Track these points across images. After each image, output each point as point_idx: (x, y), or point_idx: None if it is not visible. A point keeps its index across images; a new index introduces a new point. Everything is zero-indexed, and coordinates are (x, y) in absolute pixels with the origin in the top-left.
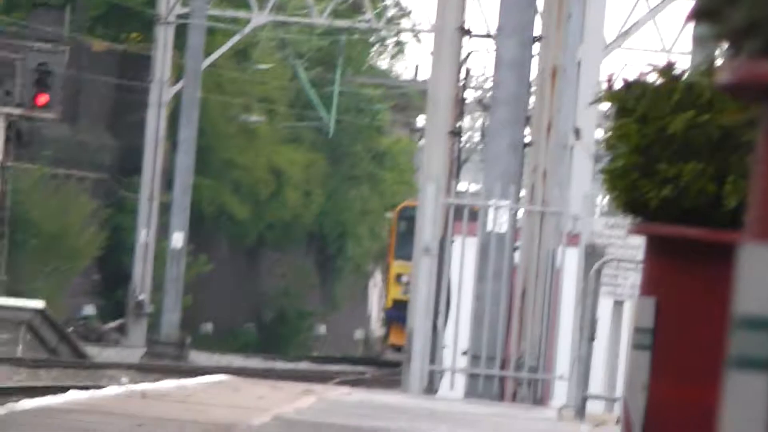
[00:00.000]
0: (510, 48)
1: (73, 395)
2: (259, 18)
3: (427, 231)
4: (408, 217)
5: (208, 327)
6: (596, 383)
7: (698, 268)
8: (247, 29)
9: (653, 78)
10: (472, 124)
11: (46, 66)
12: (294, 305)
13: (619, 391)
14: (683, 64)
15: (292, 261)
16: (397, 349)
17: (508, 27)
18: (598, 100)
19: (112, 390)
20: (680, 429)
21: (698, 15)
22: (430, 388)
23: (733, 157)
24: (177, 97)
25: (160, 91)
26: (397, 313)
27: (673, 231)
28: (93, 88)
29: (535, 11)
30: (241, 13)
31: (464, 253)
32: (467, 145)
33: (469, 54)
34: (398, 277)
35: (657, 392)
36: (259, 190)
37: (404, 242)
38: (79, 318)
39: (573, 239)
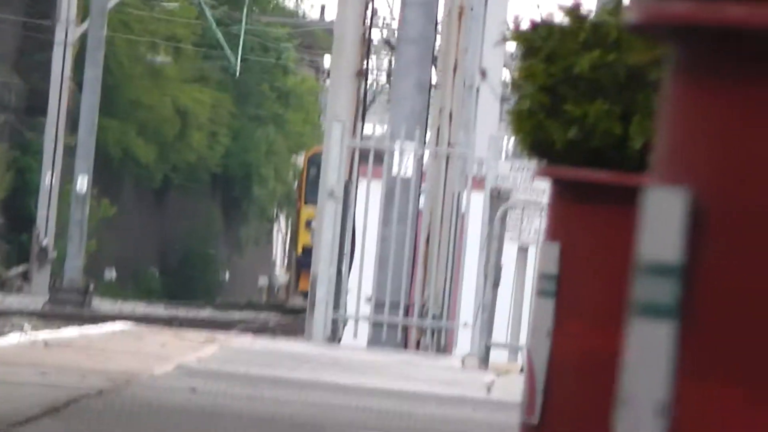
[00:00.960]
0: None
1: None
2: None
3: (331, 174)
4: (318, 163)
5: (111, 273)
6: (500, 332)
7: (604, 212)
8: None
9: (560, 18)
10: (378, 64)
11: None
12: (199, 249)
13: (524, 339)
14: (590, 4)
15: (198, 204)
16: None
17: None
18: (505, 40)
19: (14, 338)
20: (584, 377)
21: None
22: (334, 337)
23: (639, 97)
24: (83, 37)
25: (66, 30)
26: (307, 260)
27: (578, 174)
28: None
29: None
30: None
31: (369, 196)
32: (373, 87)
33: None
34: (309, 223)
35: (561, 341)
36: (165, 131)
37: (315, 188)
38: None
39: (478, 183)
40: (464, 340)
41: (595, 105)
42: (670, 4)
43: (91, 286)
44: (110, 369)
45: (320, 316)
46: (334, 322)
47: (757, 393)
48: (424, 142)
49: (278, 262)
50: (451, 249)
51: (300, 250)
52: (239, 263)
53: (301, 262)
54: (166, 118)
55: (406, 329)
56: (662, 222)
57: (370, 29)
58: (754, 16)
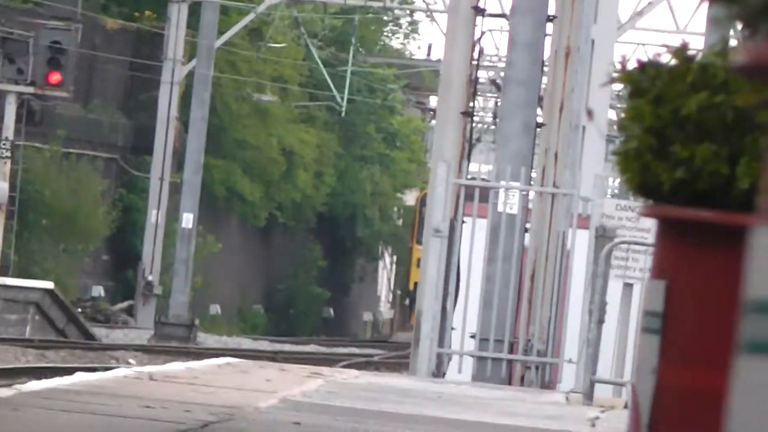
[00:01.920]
0: (524, 28)
1: (80, 377)
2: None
3: (437, 212)
4: None
5: (216, 308)
6: (605, 367)
7: (710, 250)
8: (261, 8)
9: (667, 59)
10: (484, 104)
11: (59, 44)
12: (303, 287)
13: (628, 375)
14: (698, 44)
15: (302, 242)
16: None
17: (523, 6)
18: (612, 81)
19: (119, 372)
20: (689, 414)
21: None
22: (438, 372)
23: (746, 139)
24: (190, 77)
25: (173, 69)
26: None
27: (685, 213)
28: (106, 67)
29: None
30: None
31: (474, 234)
32: (479, 126)
33: (482, 33)
34: (419, 261)
35: (666, 377)
36: (271, 170)
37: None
38: (88, 299)
39: (583, 221)
40: (569, 376)
41: (702, 147)
42: None
43: (197, 321)
44: (215, 403)
45: (425, 351)
46: (439, 356)
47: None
48: (530, 182)
49: (383, 298)
50: (556, 286)
51: (411, 286)
52: (344, 301)
53: (412, 298)
54: (271, 157)
55: (510, 365)
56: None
57: (477, 69)
58: None
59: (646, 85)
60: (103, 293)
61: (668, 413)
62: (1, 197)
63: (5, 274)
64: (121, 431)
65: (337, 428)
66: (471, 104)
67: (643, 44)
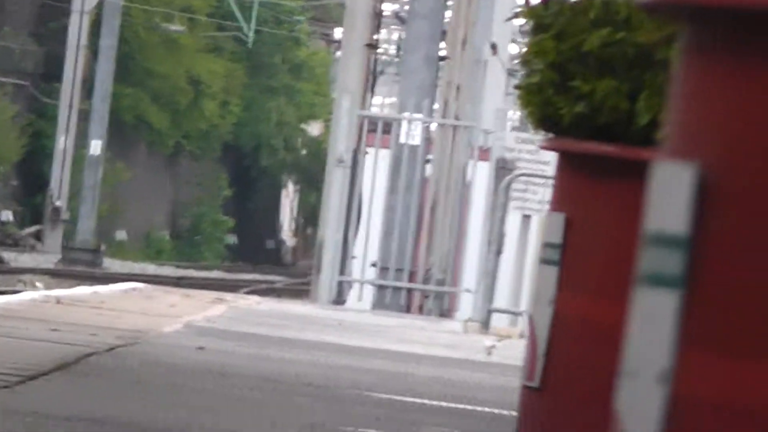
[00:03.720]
0: None
1: None
2: None
3: (340, 143)
4: None
5: (123, 234)
6: (502, 297)
7: (609, 184)
8: None
9: None
10: (388, 37)
11: None
12: (208, 214)
13: (524, 305)
14: None
15: (208, 171)
16: None
17: None
18: (515, 16)
19: (27, 295)
20: (585, 344)
21: None
22: (339, 299)
23: (647, 75)
24: (100, 5)
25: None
26: None
27: (585, 147)
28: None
29: None
30: None
31: (377, 164)
32: (383, 58)
33: None
34: None
35: (563, 307)
36: (178, 99)
37: None
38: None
39: (484, 154)
40: (466, 305)
41: (603, 82)
42: None
43: (103, 247)
44: (120, 327)
45: (326, 279)
46: (340, 284)
47: (758, 362)
48: (432, 114)
49: (285, 227)
50: (456, 217)
51: None
52: (247, 228)
53: None
54: (179, 86)
55: (409, 293)
56: (670, 195)
57: (381, 2)
58: None
59: (549, 20)
60: (11, 218)
61: (565, 342)
62: None
63: None
64: (28, 353)
65: (240, 353)
66: (375, 37)
67: None
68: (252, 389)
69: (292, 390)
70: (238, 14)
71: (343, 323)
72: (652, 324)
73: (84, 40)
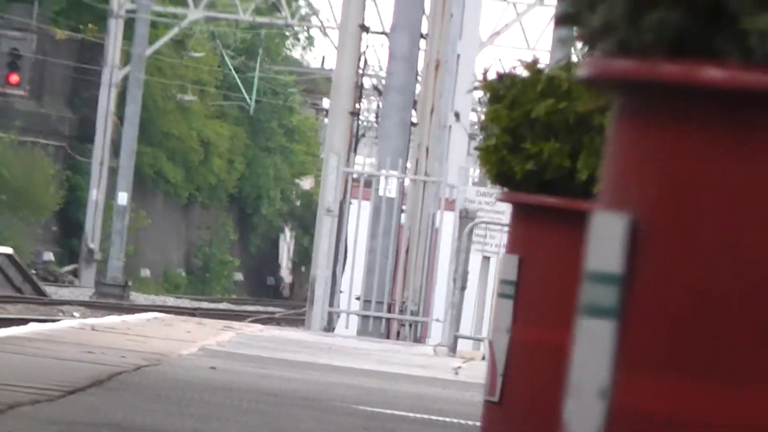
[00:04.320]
0: (401, 43)
1: (33, 327)
2: (194, 14)
3: (329, 195)
4: None
5: (146, 272)
6: (466, 325)
7: (554, 230)
8: (184, 23)
9: (521, 71)
10: (368, 106)
11: (17, 51)
12: (217, 255)
13: (485, 333)
14: (545, 60)
15: (216, 218)
16: None
17: (400, 25)
18: (475, 89)
19: (66, 323)
20: (536, 366)
21: (562, 19)
22: (329, 327)
23: (585, 138)
24: (125, 79)
25: (111, 73)
26: None
27: (534, 199)
28: (56, 70)
29: (423, 12)
30: (179, 10)
31: (360, 214)
32: (364, 124)
33: (367, 47)
34: None
35: (518, 335)
36: (191, 157)
37: None
38: (40, 262)
39: (449, 204)
40: (436, 332)
41: (548, 144)
42: (615, 62)
43: (129, 283)
44: (145, 350)
45: (318, 310)
46: (330, 315)
47: (681, 378)
48: (405, 171)
49: (283, 265)
50: (426, 258)
51: None
52: (250, 267)
53: None
54: (191, 147)
55: (388, 322)
56: (606, 240)
57: (362, 77)
58: (682, 73)
59: (502, 92)
60: (52, 258)
61: (519, 364)
62: None
63: None
64: (68, 372)
65: (246, 372)
66: (357, 106)
67: (500, 59)
68: (256, 402)
69: (289, 403)
70: (241, 87)
71: (332, 347)
72: (591, 348)
73: (112, 108)
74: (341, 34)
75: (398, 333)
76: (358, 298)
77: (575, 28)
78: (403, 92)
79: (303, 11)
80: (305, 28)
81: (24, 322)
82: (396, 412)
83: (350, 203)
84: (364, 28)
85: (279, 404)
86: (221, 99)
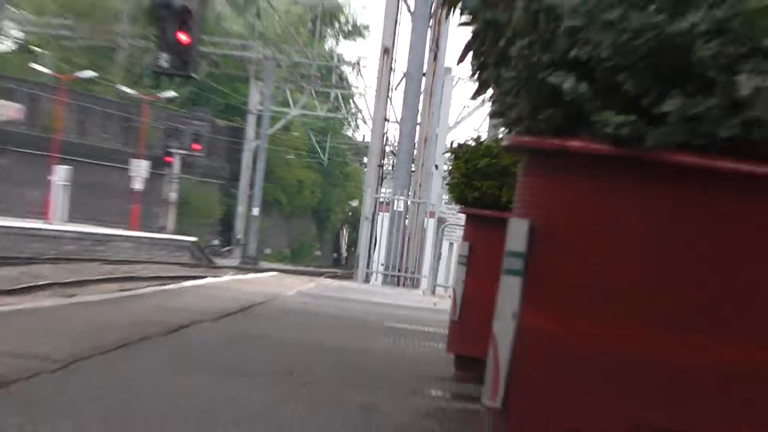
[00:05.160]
0: (406, 127)
1: (209, 280)
2: (294, 111)
3: (367, 210)
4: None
5: (268, 251)
6: (440, 279)
7: (488, 229)
8: (288, 116)
9: (471, 143)
10: (388, 161)
11: (198, 132)
12: (306, 242)
13: (450, 283)
14: (485, 136)
15: (305, 222)
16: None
17: (406, 117)
18: (447, 152)
19: (225, 278)
20: (478, 301)
21: (493, 114)
22: (367, 280)
23: (506, 179)
24: (257, 147)
25: (249, 144)
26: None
27: (478, 212)
28: (219, 142)
29: (418, 110)
30: (286, 109)
31: (383, 220)
32: (386, 170)
33: (387, 130)
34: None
35: (469, 285)
36: (291, 190)
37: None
38: (211, 246)
39: (431, 215)
40: (424, 283)
41: (487, 183)
42: (522, 138)
43: (259, 256)
44: (266, 292)
45: (361, 271)
46: (366, 274)
47: (555, 311)
48: (408, 197)
49: (343, 248)
50: (419, 243)
51: None
52: (324, 249)
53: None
54: (292, 184)
55: (398, 278)
56: (517, 233)
57: (385, 146)
58: (557, 144)
59: (461, 154)
60: (217, 242)
61: (470, 300)
62: (172, 199)
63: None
64: (225, 304)
65: (326, 304)
66: (382, 161)
67: (460, 136)
68: (331, 319)
69: (349, 320)
70: (319, 151)
71: (369, 290)
72: (508, 292)
73: (249, 163)
74: (374, 123)
75: (404, 284)
76: (382, 265)
77: (501, 119)
78: (407, 154)
79: (353, 109)
80: (354, 118)
81: (203, 277)
82: (405, 325)
83: (378, 214)
84: (386, 119)
85: (342, 320)
86: (308, 158)
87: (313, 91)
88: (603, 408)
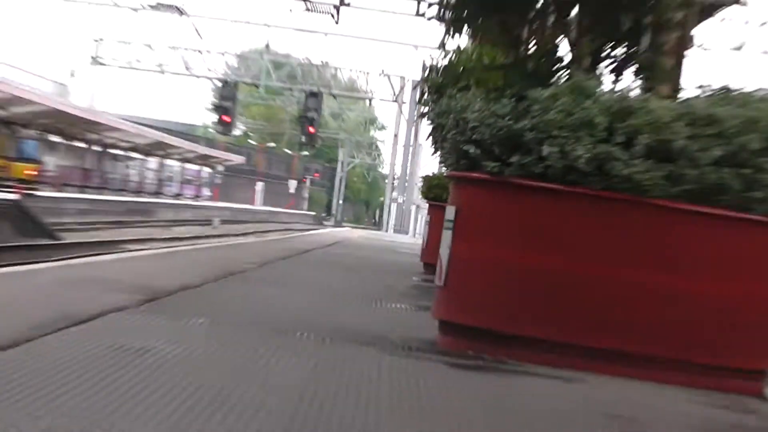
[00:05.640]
0: (405, 165)
1: (320, 230)
2: (356, 160)
3: (387, 201)
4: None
5: (345, 219)
6: (417, 234)
7: (439, 210)
8: (355, 162)
9: (433, 175)
10: (398, 195)
11: (317, 168)
12: (361, 215)
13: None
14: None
15: (360, 207)
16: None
17: (404, 162)
18: (422, 177)
19: (323, 231)
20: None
21: (440, 161)
22: (387, 231)
23: (446, 189)
24: (342, 176)
25: (338, 174)
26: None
27: (436, 204)
28: (326, 172)
29: (409, 158)
30: (353, 159)
31: (393, 207)
32: (396, 183)
33: (394, 165)
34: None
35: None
36: (355, 192)
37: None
38: (321, 216)
39: (417, 208)
40: (410, 233)
41: (437, 190)
42: (452, 172)
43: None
44: (339, 237)
45: (384, 227)
46: (387, 228)
47: (472, 243)
48: (405, 196)
49: (377, 217)
50: (409, 220)
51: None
52: (369, 218)
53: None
54: (354, 190)
55: (399, 230)
56: (450, 211)
57: (394, 180)
58: (463, 172)
59: (427, 179)
60: (324, 215)
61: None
62: (306, 196)
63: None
64: (324, 240)
65: (370, 240)
66: (395, 179)
67: (428, 171)
68: (370, 248)
69: (377, 247)
70: (366, 175)
71: (388, 236)
72: (447, 236)
73: (338, 183)
74: (390, 166)
75: (401, 232)
76: (393, 225)
77: (444, 164)
78: (405, 177)
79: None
80: (381, 160)
81: (317, 230)
82: (404, 250)
83: (392, 203)
84: (393, 164)
85: (374, 248)
86: (363, 178)
87: (364, 152)
88: (489, 287)
